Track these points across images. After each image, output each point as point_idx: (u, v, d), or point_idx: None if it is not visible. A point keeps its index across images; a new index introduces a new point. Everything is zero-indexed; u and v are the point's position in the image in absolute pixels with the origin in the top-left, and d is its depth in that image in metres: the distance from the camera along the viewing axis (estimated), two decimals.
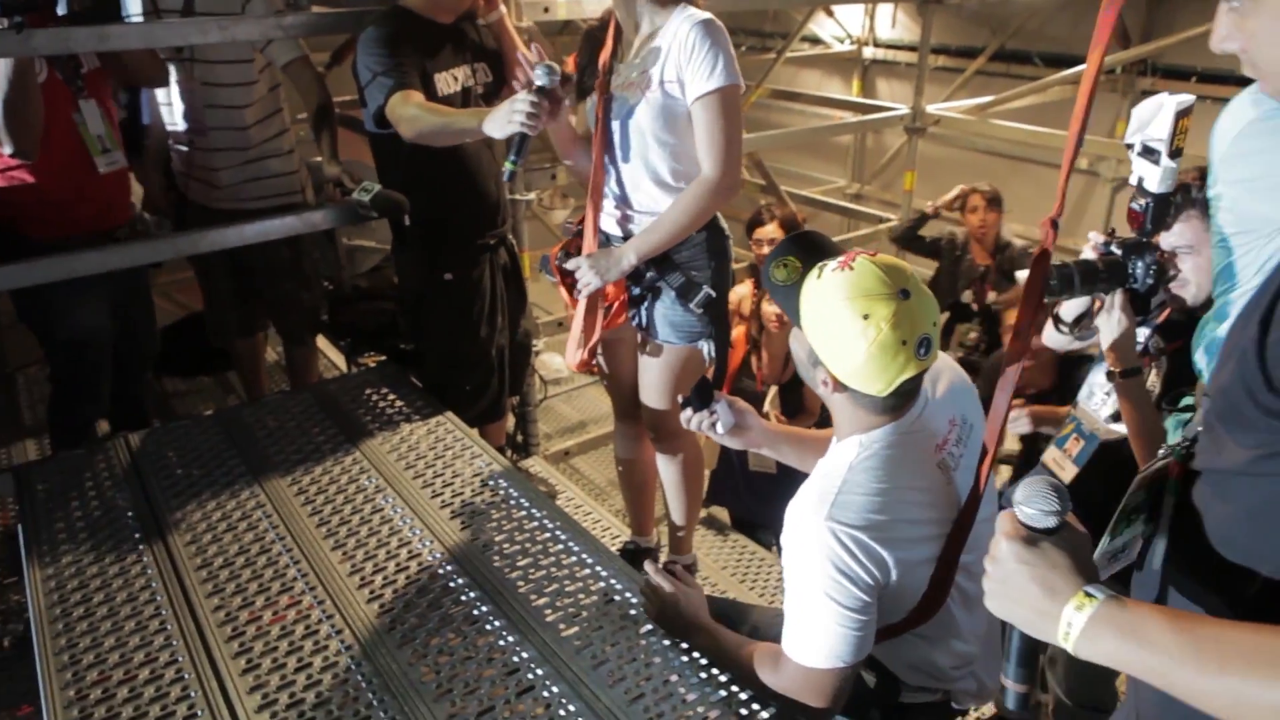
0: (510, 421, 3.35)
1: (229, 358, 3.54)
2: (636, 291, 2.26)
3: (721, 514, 3.65)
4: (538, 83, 1.96)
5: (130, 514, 2.19)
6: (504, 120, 1.97)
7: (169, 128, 2.99)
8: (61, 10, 2.46)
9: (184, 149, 2.97)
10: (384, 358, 3.29)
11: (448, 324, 2.74)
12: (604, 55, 2.16)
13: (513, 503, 2.22)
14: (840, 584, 1.35)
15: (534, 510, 2.18)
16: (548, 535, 2.09)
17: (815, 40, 8.65)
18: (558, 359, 4.66)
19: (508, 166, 2.00)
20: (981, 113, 5.76)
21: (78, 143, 2.54)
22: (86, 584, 1.95)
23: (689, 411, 1.75)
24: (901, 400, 1.43)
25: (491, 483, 2.30)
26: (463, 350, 2.79)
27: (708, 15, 2.03)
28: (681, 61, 2.01)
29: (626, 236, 2.23)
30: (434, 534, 2.09)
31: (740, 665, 1.60)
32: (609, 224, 2.27)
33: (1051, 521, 0.94)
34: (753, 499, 3.48)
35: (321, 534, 2.10)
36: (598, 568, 1.98)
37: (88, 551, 2.05)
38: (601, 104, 2.13)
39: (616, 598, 1.89)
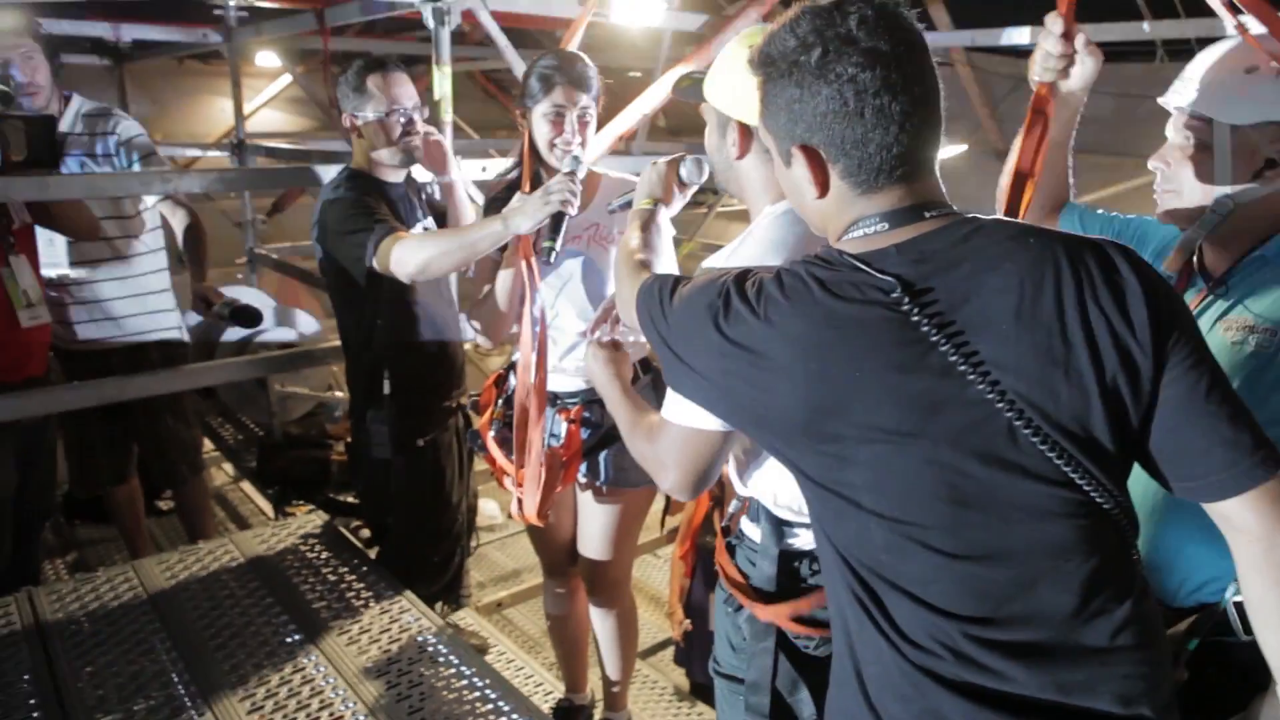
0: None
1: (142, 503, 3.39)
2: (588, 440, 2.24)
3: (680, 678, 3.48)
4: (565, 169, 2.01)
5: (26, 678, 2.05)
6: (537, 207, 1.97)
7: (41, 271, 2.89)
8: None
9: (60, 293, 2.88)
10: (312, 507, 3.21)
11: (421, 493, 2.60)
12: None
13: (441, 660, 2.14)
14: None
15: (463, 668, 2.10)
16: (476, 694, 2.02)
17: None
18: (491, 505, 4.59)
19: (546, 245, 1.96)
20: None
21: (1, 294, 2.50)
22: None
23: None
24: None
25: (420, 638, 2.22)
26: (436, 519, 2.65)
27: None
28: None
29: (577, 393, 2.24)
30: (357, 694, 2.00)
31: (632, 423, 1.46)
32: (564, 382, 2.25)
33: (686, 177, 1.70)
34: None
35: (238, 696, 1.99)
36: None
37: None
38: (540, 259, 2.11)
39: None
